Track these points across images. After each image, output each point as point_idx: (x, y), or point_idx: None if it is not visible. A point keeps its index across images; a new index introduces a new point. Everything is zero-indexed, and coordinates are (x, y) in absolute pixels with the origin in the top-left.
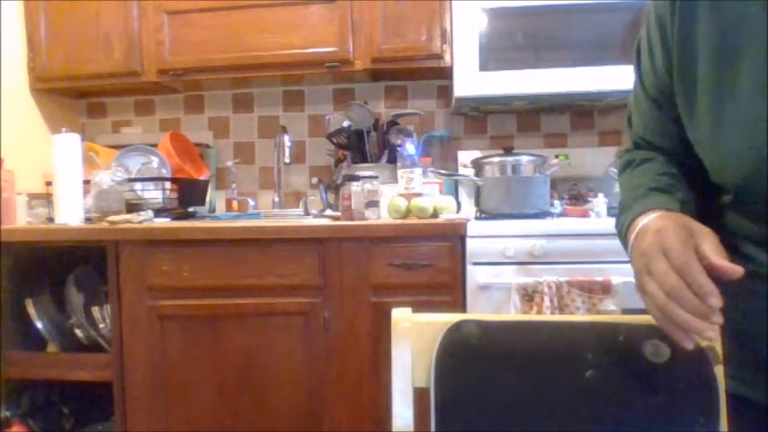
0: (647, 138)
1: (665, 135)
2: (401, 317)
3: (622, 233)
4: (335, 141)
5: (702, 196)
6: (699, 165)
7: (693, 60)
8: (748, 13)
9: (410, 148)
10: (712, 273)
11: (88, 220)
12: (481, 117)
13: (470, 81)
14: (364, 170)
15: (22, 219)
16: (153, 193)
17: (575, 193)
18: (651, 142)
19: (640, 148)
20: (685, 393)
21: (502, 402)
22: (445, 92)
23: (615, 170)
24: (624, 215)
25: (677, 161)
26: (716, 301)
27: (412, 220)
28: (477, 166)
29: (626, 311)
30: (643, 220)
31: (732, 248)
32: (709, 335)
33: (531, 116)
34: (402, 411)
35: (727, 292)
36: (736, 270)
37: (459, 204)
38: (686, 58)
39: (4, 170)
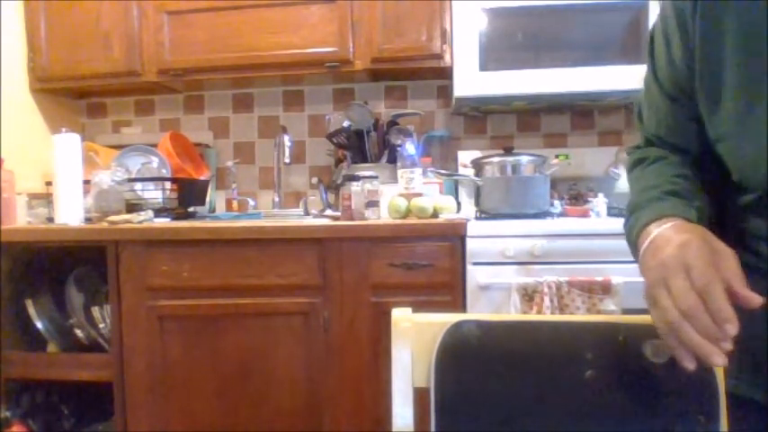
0: (661, 134)
1: (681, 132)
2: (401, 317)
3: (633, 235)
4: (335, 141)
5: (718, 196)
6: (714, 164)
7: (719, 59)
8: None
9: (410, 148)
10: (729, 296)
11: (88, 220)
12: (481, 117)
13: (470, 81)
14: (364, 170)
15: (22, 219)
16: (153, 193)
17: (575, 193)
18: (665, 139)
19: (653, 146)
20: (685, 393)
21: (502, 402)
22: (445, 92)
23: (615, 170)
24: (636, 216)
25: (691, 159)
26: (732, 328)
27: (412, 220)
28: (477, 166)
29: (626, 311)
30: (658, 228)
31: (750, 250)
32: (716, 360)
33: (531, 116)
34: (402, 411)
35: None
36: (756, 300)
37: (459, 204)
38: (710, 56)
39: (4, 170)
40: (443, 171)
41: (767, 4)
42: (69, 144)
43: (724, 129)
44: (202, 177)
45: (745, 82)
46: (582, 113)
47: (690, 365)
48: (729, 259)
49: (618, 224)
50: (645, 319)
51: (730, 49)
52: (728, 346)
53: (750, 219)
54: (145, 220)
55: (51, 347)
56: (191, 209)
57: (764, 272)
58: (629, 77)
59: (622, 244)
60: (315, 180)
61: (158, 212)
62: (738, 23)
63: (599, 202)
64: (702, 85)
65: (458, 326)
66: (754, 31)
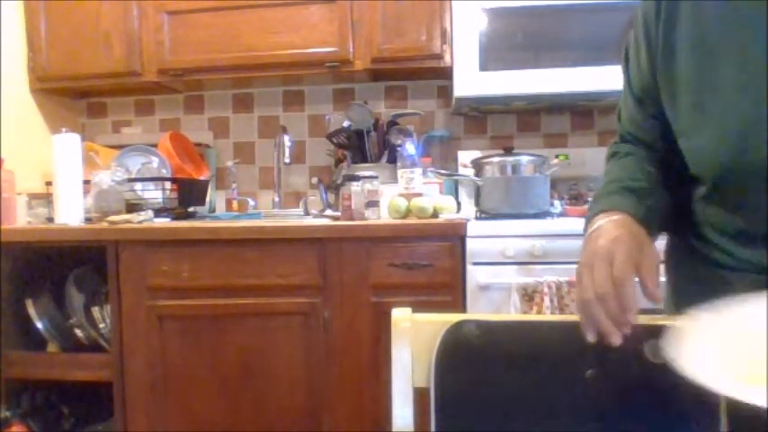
0: (632, 131)
1: (647, 130)
2: (401, 317)
3: (587, 222)
4: (335, 141)
5: (680, 189)
6: (677, 159)
7: (675, 57)
8: (728, 11)
9: (410, 148)
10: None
11: (88, 220)
12: (481, 117)
13: (470, 81)
14: (364, 170)
15: (22, 219)
16: (153, 193)
17: (575, 193)
18: (636, 136)
19: (627, 142)
20: (685, 393)
21: (502, 402)
22: (445, 92)
23: None
24: (595, 204)
25: (657, 156)
26: (632, 317)
27: (412, 220)
28: (477, 166)
29: None
30: (603, 220)
31: (703, 239)
32: (614, 339)
33: (531, 116)
34: (402, 411)
35: (708, 286)
36: (658, 298)
37: (459, 204)
38: (669, 55)
39: (4, 170)
40: (443, 171)
41: (716, 3)
42: (69, 144)
43: (681, 124)
44: (202, 177)
45: (698, 79)
46: (582, 113)
47: (591, 338)
48: (650, 259)
49: None
50: (645, 319)
51: (684, 47)
52: (627, 329)
53: (703, 210)
54: (145, 220)
55: (51, 347)
56: (191, 209)
57: (714, 261)
58: None
59: None
60: (315, 180)
61: (158, 212)
62: (691, 22)
63: None
64: (663, 83)
65: (458, 326)
66: (703, 31)
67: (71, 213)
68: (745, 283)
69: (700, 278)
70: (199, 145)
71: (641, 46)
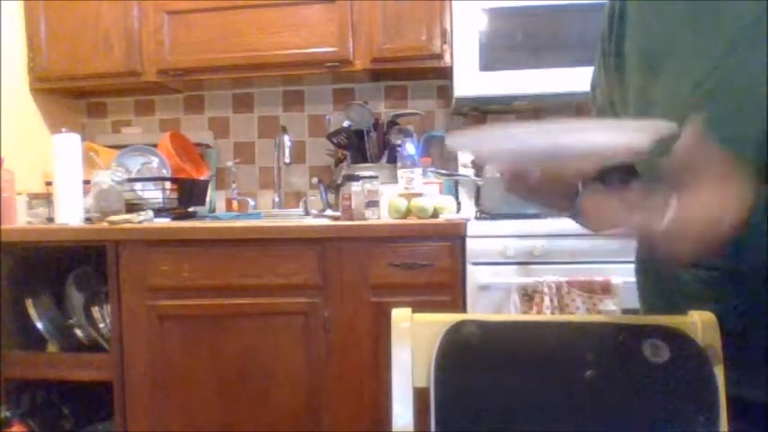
0: None
1: None
2: (401, 317)
3: None
4: (335, 141)
5: None
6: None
7: (625, 65)
8: (666, 18)
9: (410, 148)
10: None
11: (88, 220)
12: (481, 117)
13: (470, 81)
14: (364, 170)
15: (22, 219)
16: (153, 193)
17: None
18: None
19: None
20: (685, 393)
21: (502, 402)
22: (445, 92)
23: None
24: None
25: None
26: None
27: (412, 220)
28: (477, 166)
29: (626, 311)
30: None
31: None
32: None
33: (532, 116)
34: (402, 411)
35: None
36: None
37: (459, 204)
38: (620, 63)
39: (4, 170)
40: (443, 171)
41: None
42: (69, 144)
43: None
44: (202, 177)
45: (642, 85)
46: (582, 113)
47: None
48: None
49: None
50: (645, 319)
51: (631, 56)
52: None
53: None
54: (145, 220)
55: (51, 347)
56: (191, 209)
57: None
58: None
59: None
60: (315, 180)
61: (158, 212)
62: (635, 30)
63: None
64: (616, 91)
65: (458, 326)
66: (646, 37)
67: (71, 213)
68: (695, 278)
69: (659, 272)
70: (199, 145)
71: (601, 63)
